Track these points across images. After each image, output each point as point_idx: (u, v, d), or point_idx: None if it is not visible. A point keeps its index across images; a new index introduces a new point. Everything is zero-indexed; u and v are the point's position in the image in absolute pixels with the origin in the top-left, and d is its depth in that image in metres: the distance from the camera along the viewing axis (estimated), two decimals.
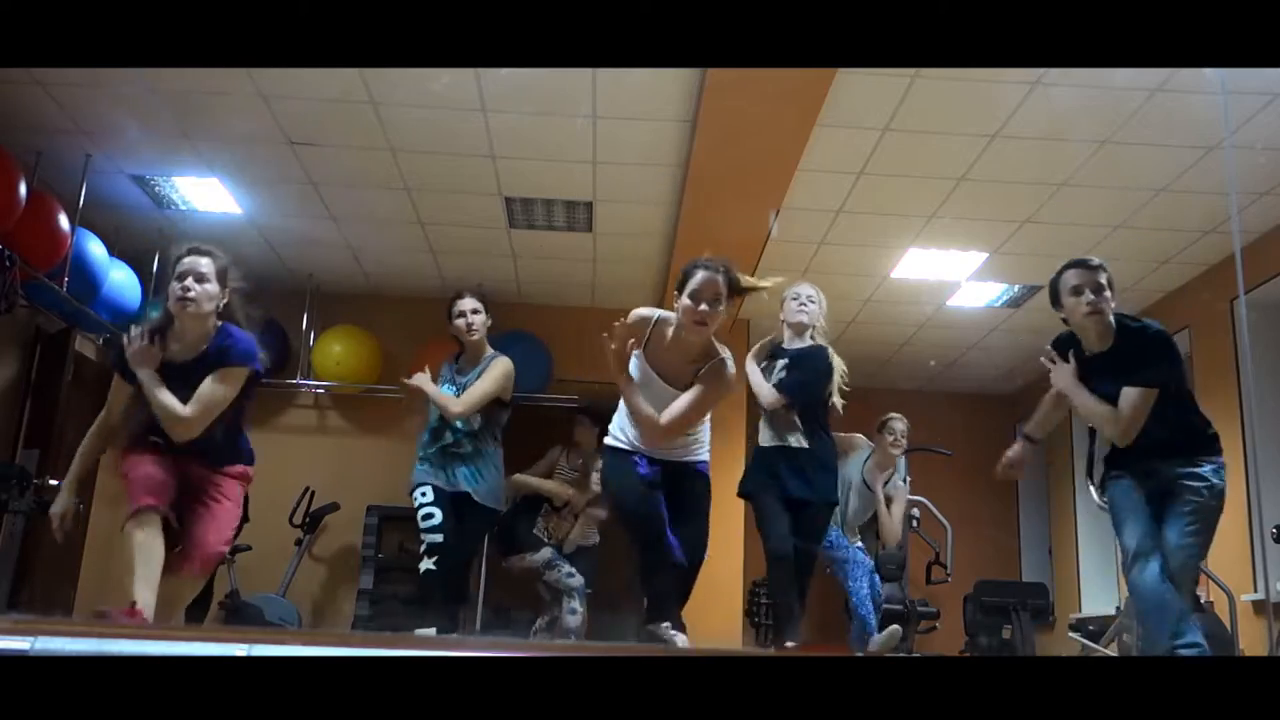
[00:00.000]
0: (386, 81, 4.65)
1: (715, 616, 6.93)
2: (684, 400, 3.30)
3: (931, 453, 6.86)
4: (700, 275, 3.19)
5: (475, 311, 4.41)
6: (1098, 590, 7.74)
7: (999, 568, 7.91)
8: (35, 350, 5.98)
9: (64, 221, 5.22)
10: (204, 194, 5.95)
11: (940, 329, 7.65)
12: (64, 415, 5.85)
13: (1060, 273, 3.39)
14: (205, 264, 3.26)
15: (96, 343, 6.36)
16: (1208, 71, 3.99)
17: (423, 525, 4.24)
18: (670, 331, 3.37)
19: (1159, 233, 5.88)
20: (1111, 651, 5.15)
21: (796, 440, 4.03)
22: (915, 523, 6.67)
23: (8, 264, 4.84)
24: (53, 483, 5.44)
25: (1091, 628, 5.71)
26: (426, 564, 4.20)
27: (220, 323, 3.33)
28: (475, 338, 4.42)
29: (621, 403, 3.51)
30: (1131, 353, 3.29)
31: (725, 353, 3.34)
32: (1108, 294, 3.31)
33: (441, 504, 4.26)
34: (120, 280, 5.90)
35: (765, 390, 4.09)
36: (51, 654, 1.68)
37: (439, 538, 4.20)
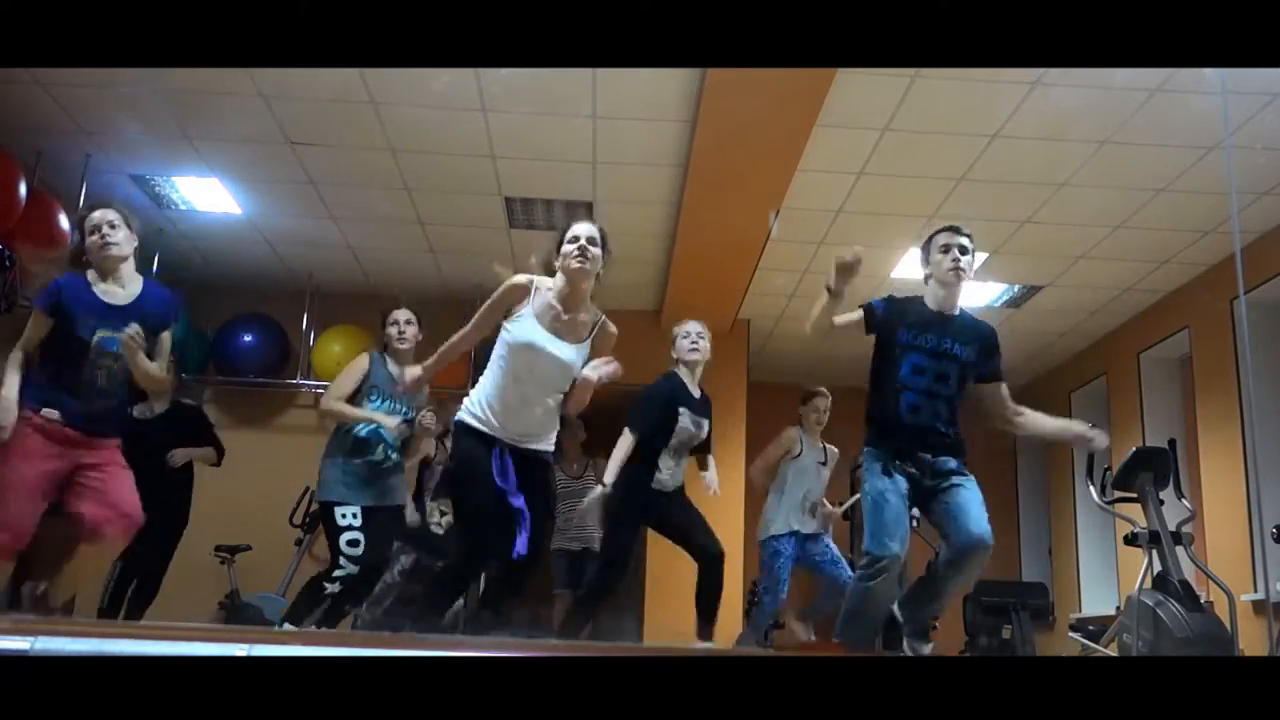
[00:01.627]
0: (386, 81, 4.65)
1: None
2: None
3: None
4: (581, 225, 3.51)
5: (409, 322, 4.42)
6: (1098, 590, 7.74)
7: (999, 568, 7.89)
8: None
9: (64, 221, 5.21)
10: (204, 194, 5.95)
11: None
12: None
13: (933, 235, 3.61)
14: (113, 215, 3.50)
15: None
16: (1208, 71, 3.99)
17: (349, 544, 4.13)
18: (553, 295, 3.47)
19: (1159, 233, 5.88)
20: (1111, 651, 5.15)
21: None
22: (915, 523, 6.66)
23: (8, 264, 4.84)
24: None
25: (1091, 628, 5.70)
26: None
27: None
28: (404, 348, 4.36)
29: (489, 381, 3.44)
30: (977, 335, 3.51)
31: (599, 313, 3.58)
32: (969, 258, 3.50)
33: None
34: None
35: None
36: (51, 654, 1.68)
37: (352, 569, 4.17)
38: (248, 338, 6.94)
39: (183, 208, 6.11)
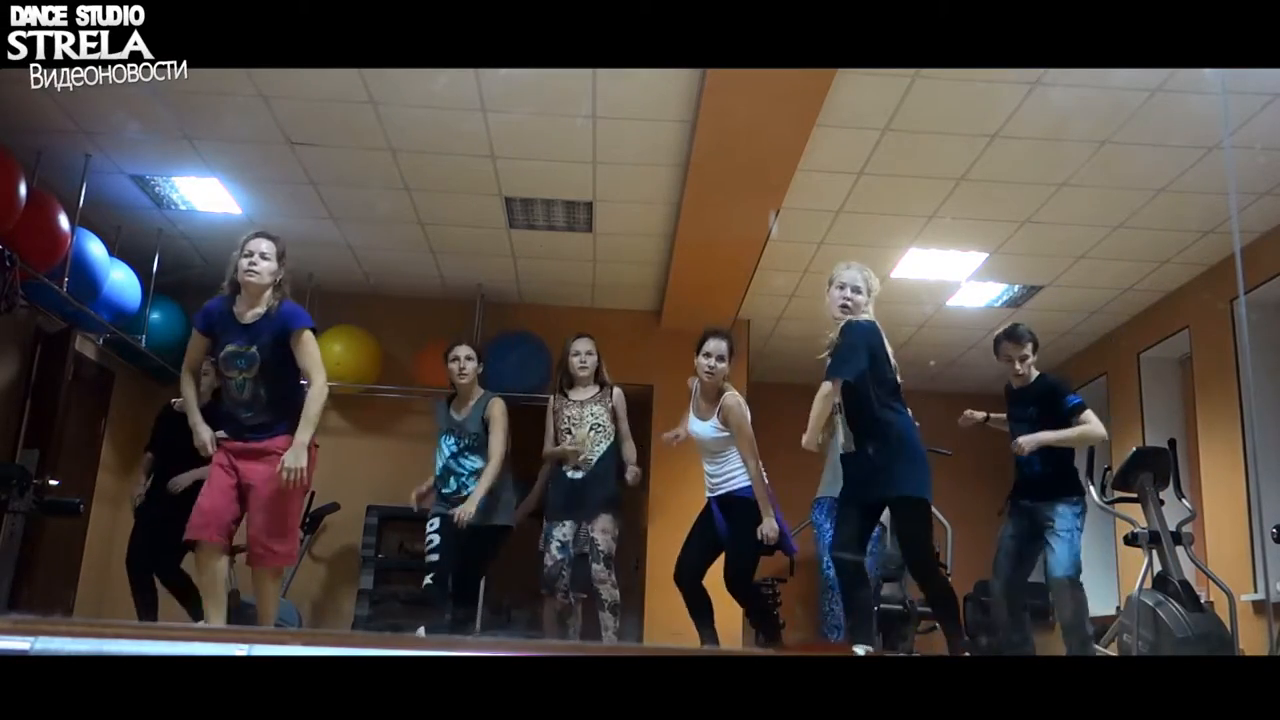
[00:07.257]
0: (386, 81, 4.65)
1: (716, 617, 6.91)
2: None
3: (932, 453, 6.86)
4: (710, 341, 4.38)
5: (469, 358, 4.82)
6: (1098, 590, 7.72)
7: None
8: (35, 350, 5.97)
9: (64, 221, 5.21)
10: (204, 194, 5.95)
11: (940, 329, 7.65)
12: (64, 415, 5.85)
13: (1000, 340, 4.63)
14: (266, 245, 3.82)
15: (96, 343, 6.36)
16: (1208, 71, 3.98)
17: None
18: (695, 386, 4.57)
19: (1159, 233, 5.88)
20: (1111, 651, 5.15)
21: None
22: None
23: (8, 264, 4.84)
24: (53, 483, 5.45)
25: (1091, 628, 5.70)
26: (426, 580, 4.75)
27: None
28: (465, 381, 4.81)
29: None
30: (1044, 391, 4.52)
31: (730, 389, 4.46)
32: (1031, 358, 4.56)
33: (444, 531, 4.72)
34: (120, 280, 5.89)
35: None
36: (51, 654, 1.68)
37: (434, 557, 4.74)
38: None
39: (183, 208, 6.11)
